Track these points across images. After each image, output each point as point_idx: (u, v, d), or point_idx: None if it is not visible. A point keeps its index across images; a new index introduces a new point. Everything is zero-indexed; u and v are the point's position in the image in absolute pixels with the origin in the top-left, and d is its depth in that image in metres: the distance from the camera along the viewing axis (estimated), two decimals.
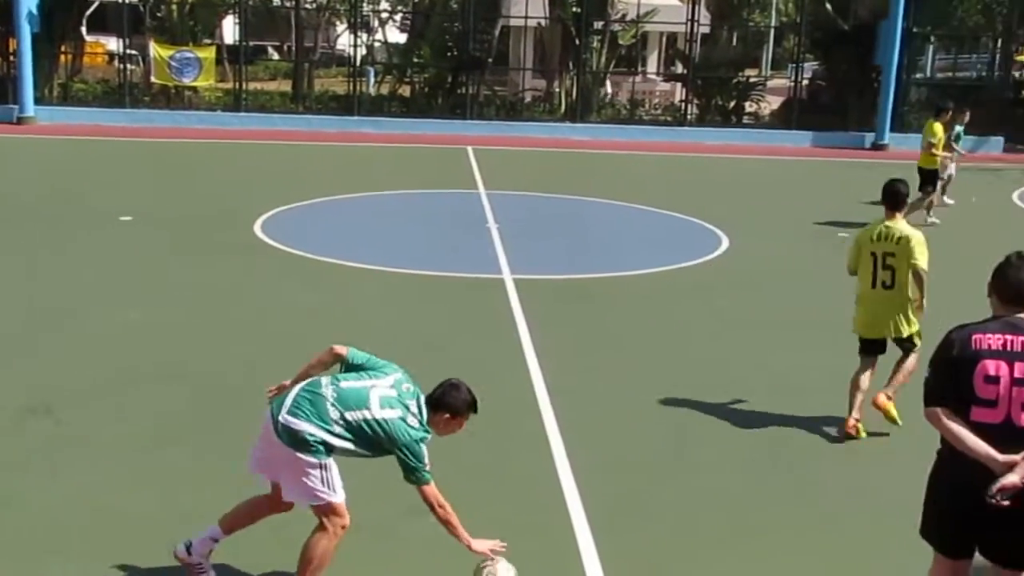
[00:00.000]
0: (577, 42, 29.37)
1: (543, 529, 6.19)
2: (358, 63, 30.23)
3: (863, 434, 7.75)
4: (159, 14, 30.35)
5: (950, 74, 35.73)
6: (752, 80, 32.63)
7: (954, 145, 18.09)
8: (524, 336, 10.00)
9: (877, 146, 27.73)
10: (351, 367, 5.33)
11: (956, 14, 32.18)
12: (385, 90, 31.47)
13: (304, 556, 5.09)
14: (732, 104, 30.81)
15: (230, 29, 39.32)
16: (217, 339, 9.77)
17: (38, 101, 26.49)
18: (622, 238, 15.59)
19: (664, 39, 39.01)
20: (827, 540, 6.29)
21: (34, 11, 25.48)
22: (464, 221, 15.94)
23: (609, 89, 33.04)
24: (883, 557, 6.06)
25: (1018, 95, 32.60)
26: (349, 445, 5.11)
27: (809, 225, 16.71)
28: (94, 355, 9.13)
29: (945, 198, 18.55)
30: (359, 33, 31.32)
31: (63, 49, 29.44)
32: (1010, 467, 4.40)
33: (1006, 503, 4.36)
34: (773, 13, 45.01)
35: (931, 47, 35.19)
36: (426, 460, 5.09)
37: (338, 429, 5.06)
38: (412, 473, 5.08)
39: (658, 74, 37.83)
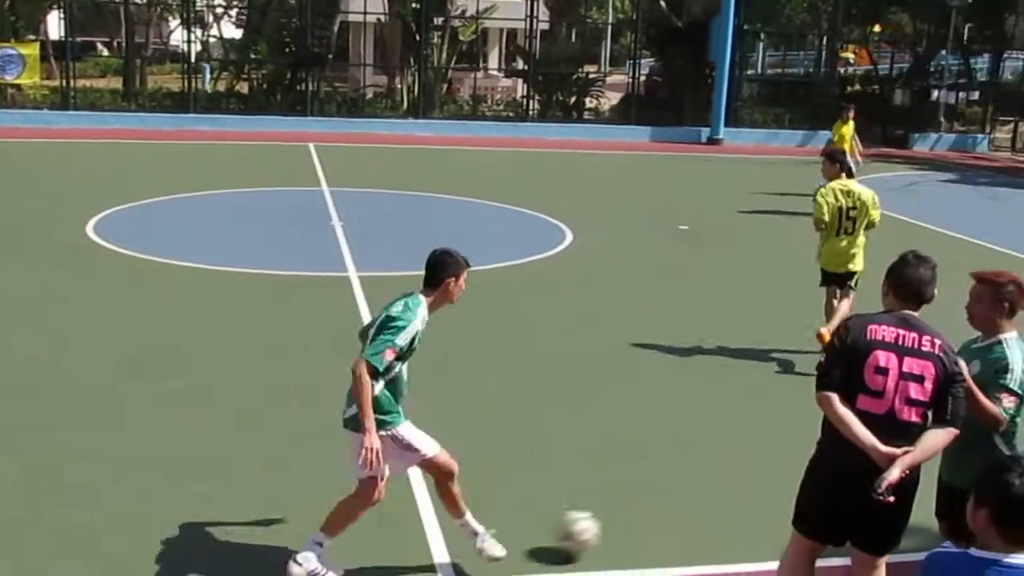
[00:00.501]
0: (417, 38, 29.21)
1: (392, 520, 6.09)
2: (192, 59, 29.35)
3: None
4: None
5: (780, 70, 37.03)
6: (591, 76, 33.10)
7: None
8: None
9: (712, 140, 28.50)
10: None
11: (784, 12, 33.34)
12: (222, 87, 30.65)
13: (337, 511, 5.49)
14: (572, 100, 31.16)
15: (55, 24, 37.61)
16: (43, 344, 9.26)
17: None
18: (467, 234, 15.49)
19: (504, 35, 39.21)
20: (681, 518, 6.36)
21: None
22: (307, 219, 15.61)
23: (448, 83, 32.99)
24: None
25: (843, 91, 34.05)
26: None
27: (649, 218, 17.01)
28: None
29: None
30: (193, 28, 30.40)
31: None
32: (890, 459, 4.48)
33: (891, 499, 4.45)
34: (610, 10, 45.80)
35: (761, 44, 36.40)
36: (395, 343, 5.19)
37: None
38: (370, 342, 5.22)
39: (499, 70, 38.00)
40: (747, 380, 9.24)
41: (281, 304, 11.04)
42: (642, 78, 31.86)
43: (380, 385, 5.27)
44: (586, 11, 46.55)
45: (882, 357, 4.61)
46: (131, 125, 25.99)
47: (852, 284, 9.75)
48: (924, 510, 5.04)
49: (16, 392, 8.07)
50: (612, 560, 5.88)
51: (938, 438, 4.59)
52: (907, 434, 4.57)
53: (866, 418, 4.59)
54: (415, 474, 6.40)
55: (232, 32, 38.36)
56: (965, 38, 33.39)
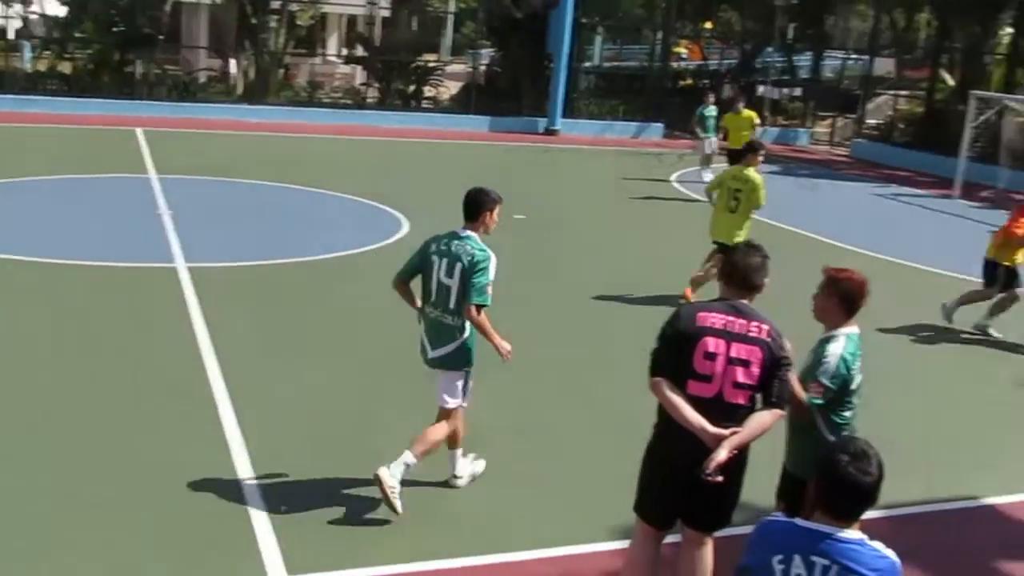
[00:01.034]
0: (254, 21, 28.54)
1: (218, 518, 5.99)
2: (11, 36, 27.91)
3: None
4: None
5: (616, 63, 37.74)
6: (431, 65, 33.02)
7: (698, 128, 21.68)
8: (199, 327, 9.59)
9: (549, 131, 28.82)
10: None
11: (621, 6, 34.00)
12: (43, 67, 29.24)
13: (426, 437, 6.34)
14: (412, 88, 31.03)
15: None
16: None
17: None
18: (303, 223, 15.28)
19: (344, 21, 38.71)
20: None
21: None
22: (132, 207, 15.05)
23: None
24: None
25: (676, 84, 34.95)
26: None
27: None
28: None
29: (706, 174, 20.74)
30: (11, 4, 28.91)
31: None
32: (719, 440, 4.65)
33: (720, 479, 4.63)
34: (452, 0, 45.78)
35: (599, 37, 37.00)
36: (490, 279, 6.19)
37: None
38: (472, 288, 6.13)
39: (338, 56, 37.50)
40: (570, 365, 9.42)
41: (101, 296, 10.64)
42: (482, 68, 32.01)
43: (468, 329, 6.26)
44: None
45: (711, 343, 4.77)
46: None
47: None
48: (755, 488, 5.24)
49: None
50: (475, 545, 5.93)
51: (765, 419, 4.79)
52: (735, 416, 4.75)
53: (696, 402, 4.76)
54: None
55: (56, 9, 36.64)
56: (789, 37, 34.75)
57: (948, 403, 9.45)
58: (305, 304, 10.88)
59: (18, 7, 30.05)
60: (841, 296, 5.17)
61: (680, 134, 28.28)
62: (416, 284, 6.43)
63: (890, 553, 3.46)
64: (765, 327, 4.83)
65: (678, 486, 4.86)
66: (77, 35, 29.63)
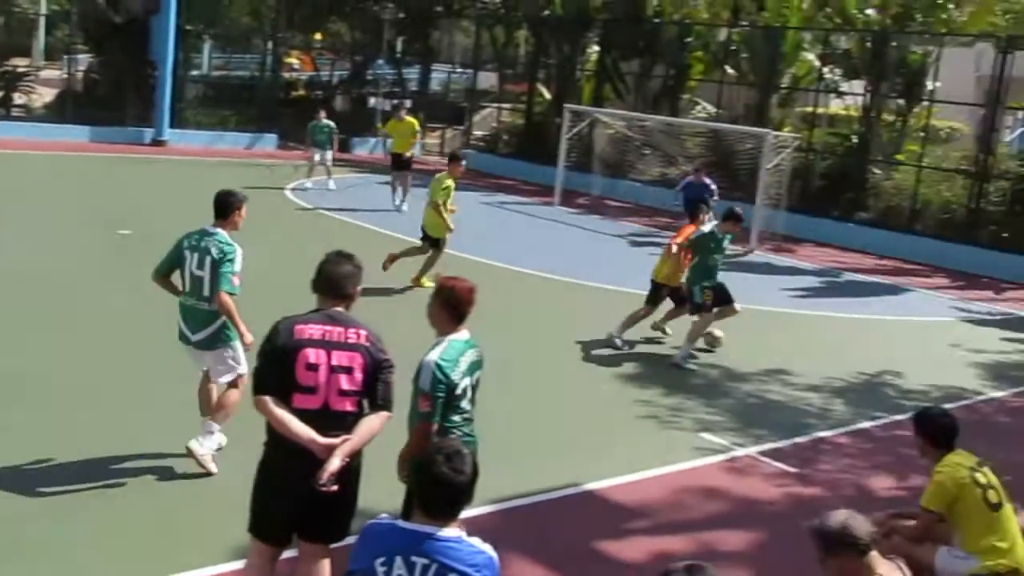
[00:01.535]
0: None
1: None
2: None
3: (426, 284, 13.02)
4: None
5: (226, 72, 36.84)
6: (21, 70, 30.59)
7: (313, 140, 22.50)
8: None
9: (157, 142, 27.65)
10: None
11: (228, 14, 33.21)
12: None
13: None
14: (0, 95, 28.60)
15: None
16: None
17: None
18: None
19: None
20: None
21: None
22: None
23: None
24: None
25: (288, 95, 34.67)
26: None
27: (88, 222, 16.13)
28: None
29: (308, 182, 22.22)
30: None
31: None
32: (329, 449, 4.63)
33: (335, 488, 4.59)
34: (43, 1, 42.66)
35: (206, 45, 35.96)
36: (236, 270, 7.20)
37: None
38: (219, 277, 7.14)
39: None
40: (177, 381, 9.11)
41: None
42: (80, 74, 30.11)
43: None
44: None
45: (311, 354, 4.78)
46: None
47: (437, 244, 13.96)
48: (372, 494, 5.29)
49: None
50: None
51: (373, 423, 4.85)
52: (344, 423, 4.79)
53: (303, 414, 4.74)
54: None
55: None
56: (398, 50, 35.57)
57: (553, 400, 10.06)
58: None
59: None
60: (447, 302, 5.34)
61: (294, 145, 28.13)
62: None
63: (487, 548, 3.61)
64: (363, 332, 4.91)
65: (293, 500, 4.82)
66: None
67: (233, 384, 7.35)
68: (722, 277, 12.11)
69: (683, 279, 12.02)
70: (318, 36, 35.99)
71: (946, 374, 12.09)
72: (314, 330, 4.84)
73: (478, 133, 33.46)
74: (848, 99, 24.97)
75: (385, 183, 22.17)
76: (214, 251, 7.13)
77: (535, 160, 28.29)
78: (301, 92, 37.15)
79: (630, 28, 28.08)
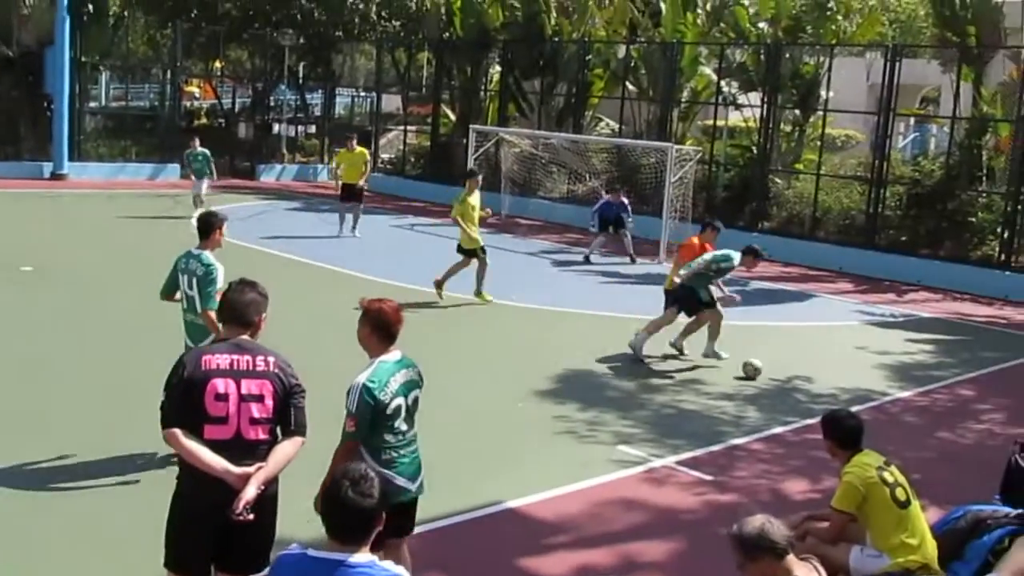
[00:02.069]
0: None
1: None
2: None
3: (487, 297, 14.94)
4: None
5: (125, 103, 36.25)
6: None
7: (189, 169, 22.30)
8: None
9: (56, 176, 27.08)
10: None
11: (123, 45, 32.67)
12: None
13: None
14: None
15: None
16: None
17: None
18: None
19: None
20: None
21: None
22: None
23: None
24: None
25: (191, 123, 34.20)
26: None
27: None
28: None
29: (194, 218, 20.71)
30: None
31: None
32: (245, 479, 4.58)
33: (251, 517, 4.54)
34: None
35: (103, 76, 35.32)
36: (218, 287, 7.45)
37: None
38: (203, 295, 7.73)
39: None
40: (82, 417, 8.92)
41: None
42: None
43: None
44: None
45: (220, 384, 4.73)
46: None
47: (475, 255, 15.21)
48: (290, 521, 5.23)
49: None
50: None
51: (287, 449, 4.82)
52: (257, 452, 4.75)
53: (215, 445, 4.69)
54: None
55: None
56: (300, 75, 35.37)
57: (470, 420, 10.06)
58: None
59: None
60: (374, 325, 5.39)
61: None
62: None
63: (400, 570, 3.61)
64: (272, 359, 4.89)
65: (210, 531, 4.75)
66: None
67: None
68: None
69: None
70: (218, 64, 35.58)
71: (854, 376, 12.40)
72: (221, 360, 4.80)
73: (385, 156, 33.42)
74: (746, 111, 25.50)
75: (293, 210, 22.03)
76: (199, 270, 7.81)
77: (443, 181, 28.34)
78: (203, 120, 36.71)
79: (530, 48, 28.35)
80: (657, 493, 8.39)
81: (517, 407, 10.50)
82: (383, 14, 32.61)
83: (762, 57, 24.15)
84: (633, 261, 20.33)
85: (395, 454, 5.38)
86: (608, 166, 25.45)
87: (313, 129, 36.25)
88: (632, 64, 27.09)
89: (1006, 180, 20.43)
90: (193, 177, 22.06)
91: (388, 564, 3.60)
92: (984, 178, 21.49)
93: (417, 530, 6.76)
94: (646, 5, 29.79)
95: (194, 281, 7.84)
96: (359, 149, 21.77)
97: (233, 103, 36.53)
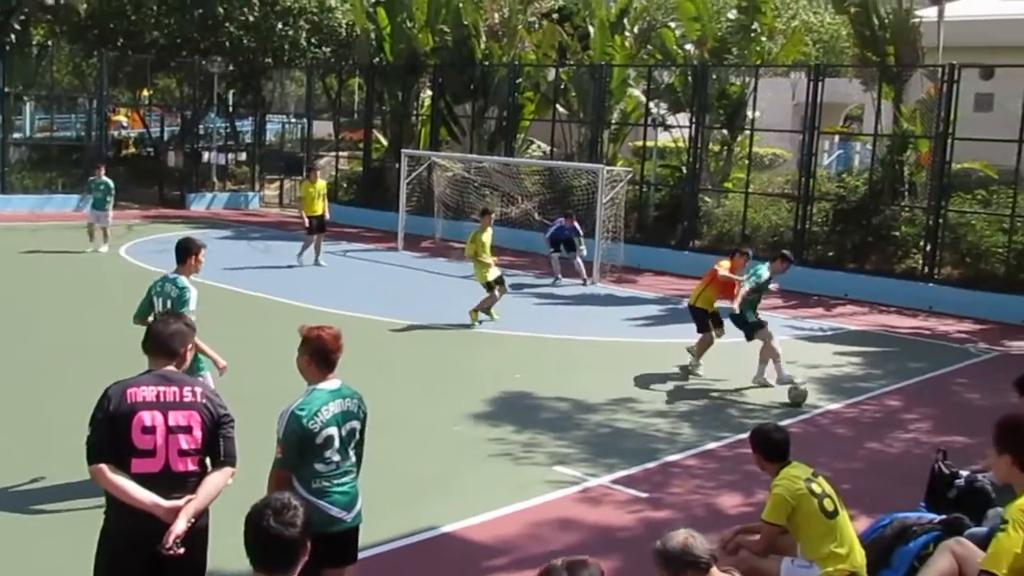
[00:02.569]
0: None
1: None
2: None
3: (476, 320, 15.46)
4: None
5: (50, 134, 35.70)
6: None
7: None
8: None
9: None
10: None
11: (48, 75, 32.22)
12: None
13: None
14: None
15: None
16: None
17: None
18: None
19: None
20: None
21: None
22: None
23: None
24: None
25: (119, 153, 33.76)
26: None
27: None
28: None
29: (102, 247, 21.21)
30: None
31: None
32: (175, 512, 4.54)
33: (182, 551, 4.49)
34: None
35: (28, 107, 34.77)
36: (192, 309, 7.94)
37: None
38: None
39: None
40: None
41: None
42: None
43: None
44: None
45: (147, 417, 4.69)
46: None
47: (497, 285, 15.66)
48: (221, 552, 5.18)
49: None
50: None
51: (218, 480, 4.79)
52: (186, 484, 4.71)
53: (144, 479, 4.64)
54: None
55: None
56: (230, 103, 35.12)
57: (405, 445, 10.04)
58: None
59: None
60: (312, 352, 5.36)
61: (127, 204, 27.41)
62: None
63: None
64: (198, 390, 4.86)
65: (140, 566, 4.69)
66: None
67: None
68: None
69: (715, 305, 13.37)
70: (146, 92, 35.21)
71: (785, 390, 12.59)
72: (147, 392, 4.75)
73: None
74: (675, 131, 25.85)
75: (224, 238, 21.81)
76: (173, 293, 8.11)
77: (376, 206, 28.33)
78: (132, 150, 36.29)
79: (461, 72, 28.48)
80: (593, 512, 8.44)
81: (453, 431, 10.51)
82: (313, 40, 32.54)
83: (689, 78, 24.50)
84: (585, 283, 20.53)
85: (327, 484, 5.32)
86: (541, 188, 25.61)
87: (244, 156, 35.99)
88: (562, 87, 27.34)
89: (927, 195, 20.93)
90: (89, 208, 21.44)
91: None
92: (906, 193, 22.01)
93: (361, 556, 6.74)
94: (575, 29, 30.13)
95: (169, 303, 8.11)
96: (320, 183, 21.59)
97: (162, 132, 36.13)
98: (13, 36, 28.97)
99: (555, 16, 33.74)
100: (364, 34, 30.46)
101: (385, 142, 30.95)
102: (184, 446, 4.73)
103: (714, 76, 24.20)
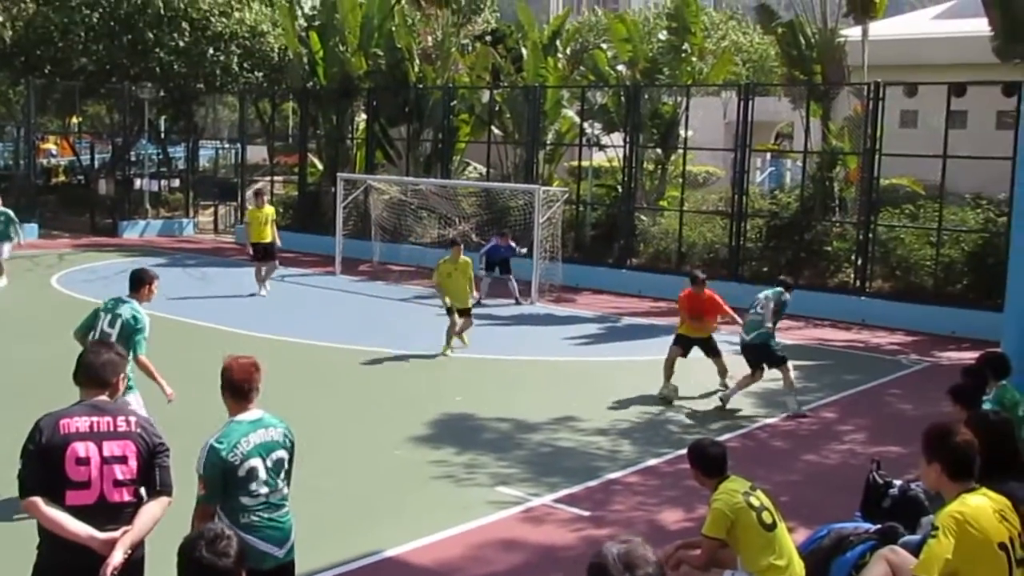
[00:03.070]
0: None
1: None
2: None
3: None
4: None
5: None
6: None
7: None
8: None
9: None
10: None
11: None
12: None
13: None
14: None
15: None
16: None
17: None
18: None
19: None
20: None
21: None
22: None
23: None
24: None
25: (48, 181, 33.22)
26: None
27: None
28: None
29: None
30: None
31: None
32: (111, 544, 4.47)
33: None
34: None
35: None
36: (145, 336, 8.40)
37: None
38: (133, 344, 8.21)
39: None
40: None
41: None
42: None
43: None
44: None
45: (80, 448, 4.62)
46: None
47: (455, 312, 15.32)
48: None
49: None
50: None
51: (154, 510, 4.74)
52: (122, 515, 4.65)
53: (78, 511, 4.57)
54: None
55: None
56: (162, 129, 34.75)
57: (345, 469, 9.98)
58: None
59: None
60: (225, 384, 5.29)
61: (57, 233, 26.96)
62: None
63: None
64: (133, 419, 4.81)
65: None
66: None
67: None
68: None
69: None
70: (75, 119, 34.72)
71: (720, 402, 12.73)
72: (80, 423, 4.67)
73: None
74: (610, 151, 26.07)
75: (158, 266, 21.47)
76: (127, 315, 8.28)
77: (312, 231, 28.14)
78: (62, 178, 35.75)
79: (395, 95, 28.47)
80: (536, 532, 8.45)
81: (394, 454, 10.46)
82: (245, 65, 32.31)
83: (622, 99, 24.74)
84: (519, 303, 20.54)
85: (255, 518, 5.19)
86: (478, 210, 25.64)
87: (177, 183, 35.60)
88: (497, 108, 27.46)
89: (857, 210, 21.33)
90: None
91: None
92: (837, 209, 22.40)
93: None
94: (508, 51, 30.31)
95: (118, 322, 8.26)
96: (267, 208, 21.11)
97: (92, 159, 35.64)
98: None
99: (488, 39, 33.94)
100: (297, 58, 30.34)
101: (320, 166, 30.81)
102: (119, 476, 4.67)
103: (646, 96, 24.47)
